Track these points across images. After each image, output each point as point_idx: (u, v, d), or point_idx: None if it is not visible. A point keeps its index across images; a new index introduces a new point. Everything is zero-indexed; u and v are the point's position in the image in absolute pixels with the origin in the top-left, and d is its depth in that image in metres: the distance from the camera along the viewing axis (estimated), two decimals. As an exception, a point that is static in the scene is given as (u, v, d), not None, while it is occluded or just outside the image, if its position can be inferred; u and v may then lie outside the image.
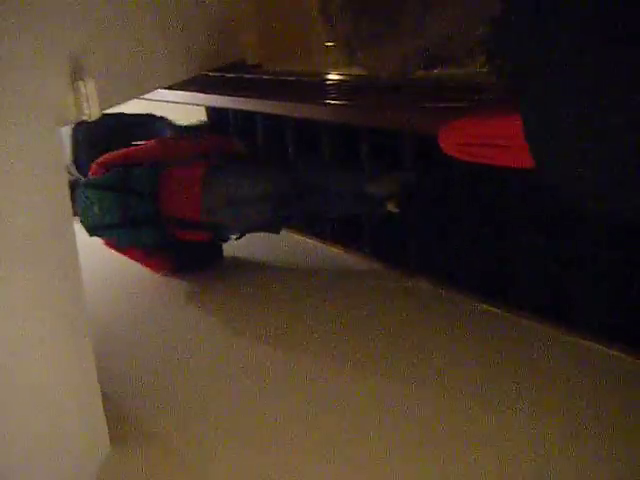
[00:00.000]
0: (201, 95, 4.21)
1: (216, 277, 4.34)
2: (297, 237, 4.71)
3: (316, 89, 3.77)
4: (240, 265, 4.51)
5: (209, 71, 4.54)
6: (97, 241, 4.21)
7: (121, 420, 3.01)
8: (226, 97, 4.02)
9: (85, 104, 2.65)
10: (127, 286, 4.34)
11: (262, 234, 4.26)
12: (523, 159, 1.96)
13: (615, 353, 3.12)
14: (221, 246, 4.58)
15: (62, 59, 2.61)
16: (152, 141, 4.41)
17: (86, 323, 2.74)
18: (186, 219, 4.03)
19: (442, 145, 2.56)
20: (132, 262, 4.28)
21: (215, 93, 4.20)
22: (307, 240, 4.67)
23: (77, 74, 2.64)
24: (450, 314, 3.58)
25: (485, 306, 3.56)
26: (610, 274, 3.09)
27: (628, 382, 2.92)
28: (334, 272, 4.26)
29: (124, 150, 4.29)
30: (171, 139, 4.64)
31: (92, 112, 2.68)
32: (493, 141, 2.35)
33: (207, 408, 3.08)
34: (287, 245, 4.61)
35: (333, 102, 3.41)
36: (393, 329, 3.49)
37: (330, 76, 4.09)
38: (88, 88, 2.65)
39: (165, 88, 4.16)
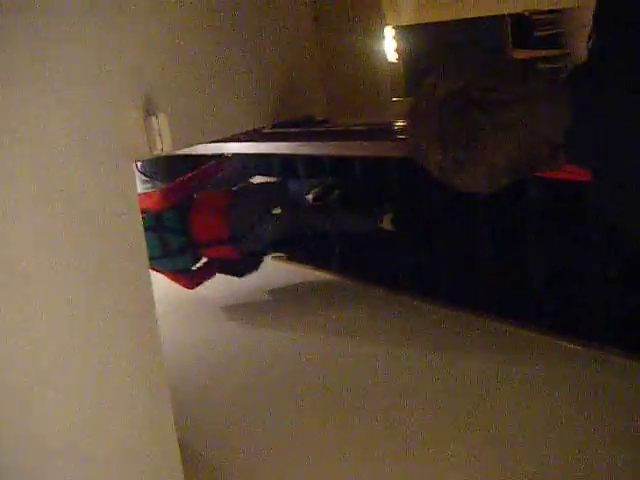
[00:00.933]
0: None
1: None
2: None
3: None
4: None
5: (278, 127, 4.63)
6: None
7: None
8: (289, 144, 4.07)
9: (158, 139, 2.68)
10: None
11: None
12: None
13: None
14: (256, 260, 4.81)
15: (136, 95, 2.67)
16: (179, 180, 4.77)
17: (165, 378, 2.71)
18: (217, 239, 4.48)
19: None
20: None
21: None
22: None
23: (150, 110, 2.68)
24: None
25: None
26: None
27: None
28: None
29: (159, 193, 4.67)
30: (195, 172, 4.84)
31: (165, 147, 2.71)
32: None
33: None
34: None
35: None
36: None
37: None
38: (161, 123, 2.69)
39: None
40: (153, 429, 2.65)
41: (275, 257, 5.13)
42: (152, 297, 2.66)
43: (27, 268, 2.13)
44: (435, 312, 3.86)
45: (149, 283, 2.66)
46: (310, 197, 4.60)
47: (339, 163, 4.54)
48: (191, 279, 4.73)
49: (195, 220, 4.50)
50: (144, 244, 2.72)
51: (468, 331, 3.62)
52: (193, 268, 4.77)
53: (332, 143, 3.88)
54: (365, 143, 3.74)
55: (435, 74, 1.30)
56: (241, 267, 4.77)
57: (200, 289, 4.64)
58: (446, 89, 1.25)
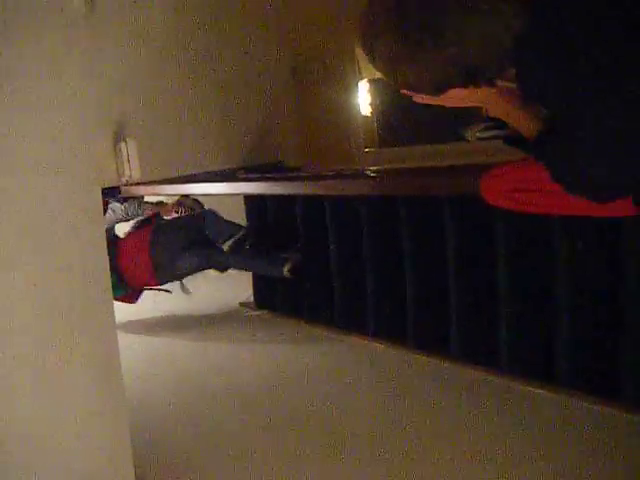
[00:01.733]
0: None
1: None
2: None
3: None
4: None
5: (249, 172, 4.67)
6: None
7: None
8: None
9: (127, 166, 2.69)
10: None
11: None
12: (567, 202, 1.89)
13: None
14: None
15: (107, 121, 2.69)
16: None
17: (122, 388, 2.67)
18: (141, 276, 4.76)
19: (485, 195, 2.50)
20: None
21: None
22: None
23: (120, 137, 2.70)
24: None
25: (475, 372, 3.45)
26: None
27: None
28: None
29: None
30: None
31: (133, 174, 2.72)
32: (537, 185, 2.30)
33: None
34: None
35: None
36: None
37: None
38: (130, 150, 2.70)
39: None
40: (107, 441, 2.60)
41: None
42: (113, 321, 2.63)
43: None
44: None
45: (111, 307, 2.64)
46: (224, 247, 4.74)
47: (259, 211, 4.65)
48: (131, 298, 4.92)
49: (121, 260, 4.61)
50: (108, 269, 2.70)
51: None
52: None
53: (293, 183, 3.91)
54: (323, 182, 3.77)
55: None
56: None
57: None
58: None
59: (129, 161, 2.59)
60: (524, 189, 2.40)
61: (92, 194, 2.61)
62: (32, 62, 2.31)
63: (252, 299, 5.03)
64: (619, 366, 2.92)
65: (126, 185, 4.04)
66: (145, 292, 5.01)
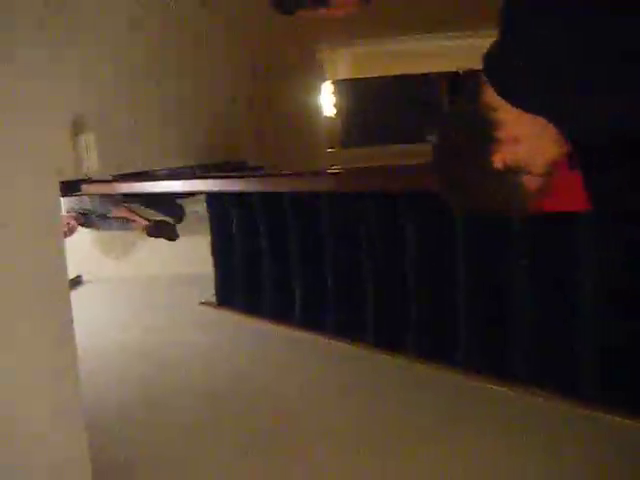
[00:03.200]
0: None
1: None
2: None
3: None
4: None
5: (212, 171, 4.65)
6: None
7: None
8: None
9: (85, 158, 2.66)
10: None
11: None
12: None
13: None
14: None
15: (65, 113, 2.66)
16: None
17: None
18: None
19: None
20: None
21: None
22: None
23: (78, 129, 2.67)
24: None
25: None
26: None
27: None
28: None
29: None
30: None
31: (91, 167, 2.69)
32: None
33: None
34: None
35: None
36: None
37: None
38: (88, 143, 2.68)
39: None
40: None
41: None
42: (71, 316, 2.60)
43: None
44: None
45: (68, 302, 2.60)
46: None
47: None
48: None
49: None
50: (65, 263, 2.67)
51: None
52: None
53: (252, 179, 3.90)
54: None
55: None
56: None
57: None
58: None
59: (87, 154, 2.55)
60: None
61: (49, 186, 2.58)
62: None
63: (214, 298, 5.00)
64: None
65: (86, 182, 4.01)
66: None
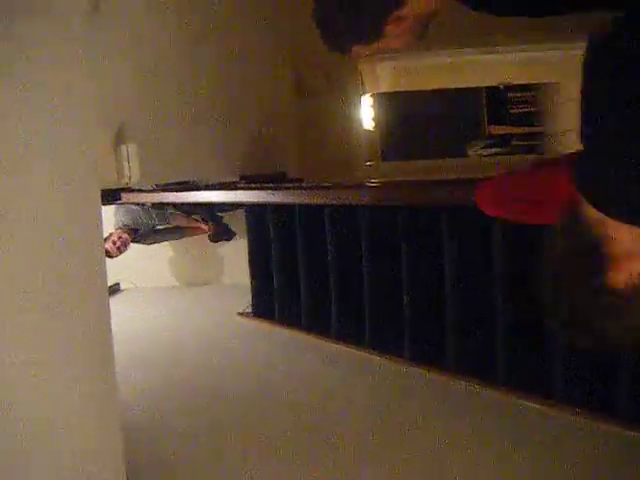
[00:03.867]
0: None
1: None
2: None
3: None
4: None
5: (252, 182, 4.68)
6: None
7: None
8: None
9: (126, 167, 2.69)
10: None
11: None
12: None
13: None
14: None
15: (108, 122, 2.69)
16: None
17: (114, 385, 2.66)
18: None
19: (478, 202, 2.54)
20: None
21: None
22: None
23: (120, 138, 2.70)
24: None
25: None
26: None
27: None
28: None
29: None
30: None
31: (132, 176, 2.72)
32: (528, 195, 2.32)
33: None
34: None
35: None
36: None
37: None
38: (130, 153, 2.70)
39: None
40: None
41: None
42: (109, 326, 2.62)
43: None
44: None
45: (107, 309, 2.62)
46: None
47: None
48: None
49: None
50: (105, 272, 2.70)
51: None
52: None
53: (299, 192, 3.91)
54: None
55: None
56: None
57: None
58: None
59: (129, 164, 2.58)
60: (521, 199, 2.42)
61: (91, 193, 2.61)
62: (34, 60, 2.32)
63: (250, 309, 5.02)
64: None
65: (126, 191, 4.06)
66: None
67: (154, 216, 5.55)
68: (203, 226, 5.66)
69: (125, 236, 5.50)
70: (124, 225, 5.55)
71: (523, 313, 3.20)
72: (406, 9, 1.50)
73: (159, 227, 5.78)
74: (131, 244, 5.60)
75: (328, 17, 1.57)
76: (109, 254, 5.31)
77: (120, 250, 5.42)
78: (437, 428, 3.14)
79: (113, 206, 5.43)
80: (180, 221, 5.61)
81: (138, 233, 5.67)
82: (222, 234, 5.74)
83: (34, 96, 2.29)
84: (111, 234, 5.47)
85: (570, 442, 2.90)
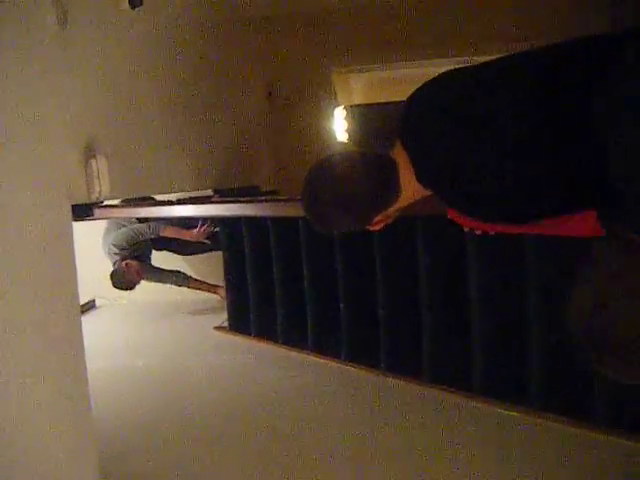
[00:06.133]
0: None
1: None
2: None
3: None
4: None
5: (225, 196, 4.67)
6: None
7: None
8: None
9: (96, 182, 2.67)
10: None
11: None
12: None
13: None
14: None
15: (77, 136, 2.67)
16: None
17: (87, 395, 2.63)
18: None
19: (450, 215, 2.53)
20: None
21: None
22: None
23: (90, 152, 2.68)
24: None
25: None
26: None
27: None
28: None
29: None
30: None
31: (103, 190, 2.70)
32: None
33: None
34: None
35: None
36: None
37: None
38: (100, 166, 2.69)
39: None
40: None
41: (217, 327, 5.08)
42: (82, 340, 2.59)
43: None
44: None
45: (79, 326, 2.60)
46: None
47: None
48: None
49: None
50: (76, 290, 2.67)
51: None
52: None
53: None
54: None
55: None
56: None
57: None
58: None
59: (99, 178, 2.56)
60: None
61: (61, 209, 2.58)
62: (1, 75, 2.30)
63: (226, 324, 4.99)
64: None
65: (99, 206, 4.03)
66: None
67: (144, 230, 5.38)
68: (217, 289, 5.56)
69: (134, 265, 5.33)
70: (123, 250, 5.33)
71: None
72: (393, 207, 1.77)
73: (159, 267, 5.67)
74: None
75: (322, 212, 1.76)
76: (132, 283, 5.31)
77: (136, 280, 5.32)
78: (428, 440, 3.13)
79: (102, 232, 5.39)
80: (167, 231, 5.43)
81: (143, 265, 5.49)
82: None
83: (2, 113, 2.27)
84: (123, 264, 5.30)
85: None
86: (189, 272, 5.72)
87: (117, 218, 5.25)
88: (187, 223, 5.28)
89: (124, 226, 5.31)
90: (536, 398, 3.13)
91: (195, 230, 5.27)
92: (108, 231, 5.38)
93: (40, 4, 2.44)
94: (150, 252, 5.66)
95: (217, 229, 5.11)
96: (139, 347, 4.97)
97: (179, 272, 5.65)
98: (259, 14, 5.35)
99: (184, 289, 5.72)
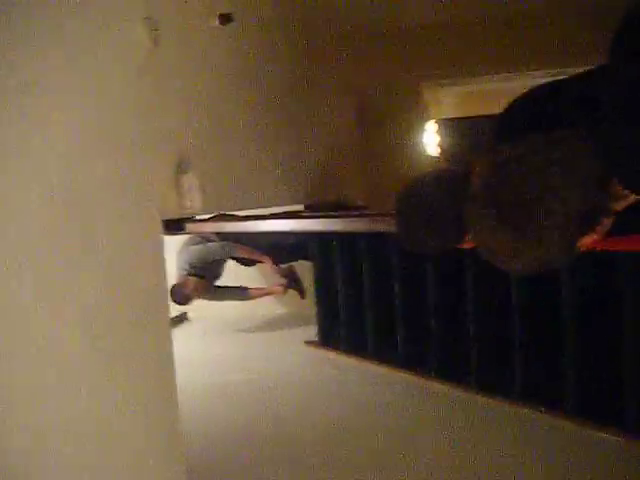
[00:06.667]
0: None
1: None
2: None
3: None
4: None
5: (316, 211, 4.66)
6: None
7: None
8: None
9: (187, 197, 2.69)
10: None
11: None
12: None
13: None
14: None
15: (169, 152, 2.70)
16: None
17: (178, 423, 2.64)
18: None
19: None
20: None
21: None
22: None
23: (182, 168, 2.71)
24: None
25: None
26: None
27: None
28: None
29: None
30: None
31: (194, 206, 2.72)
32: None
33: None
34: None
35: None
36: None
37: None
38: (191, 182, 2.71)
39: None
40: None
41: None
42: (172, 358, 2.60)
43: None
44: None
45: (170, 340, 2.61)
46: None
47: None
48: None
49: None
50: (167, 302, 2.70)
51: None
52: None
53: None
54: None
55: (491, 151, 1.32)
56: None
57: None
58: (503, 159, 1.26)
59: (190, 193, 2.58)
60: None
61: (153, 223, 2.61)
62: (97, 94, 2.35)
63: (317, 338, 4.98)
64: None
65: (190, 222, 4.08)
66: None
67: (216, 250, 5.43)
68: (265, 259, 5.55)
69: (196, 283, 5.39)
70: (192, 267, 5.39)
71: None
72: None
73: (220, 284, 5.71)
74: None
75: (410, 231, 1.71)
76: (188, 299, 5.38)
77: (193, 296, 5.39)
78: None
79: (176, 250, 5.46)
80: (241, 252, 5.49)
81: (208, 284, 5.54)
82: (297, 280, 5.69)
83: (98, 131, 2.31)
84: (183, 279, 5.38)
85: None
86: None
87: (198, 234, 5.32)
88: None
89: (200, 243, 5.41)
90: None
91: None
92: (185, 245, 5.47)
93: (134, 25, 2.48)
94: (220, 273, 5.69)
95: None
96: (227, 361, 5.00)
97: (239, 287, 5.71)
98: (351, 28, 5.35)
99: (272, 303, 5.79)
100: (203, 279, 5.44)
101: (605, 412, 3.11)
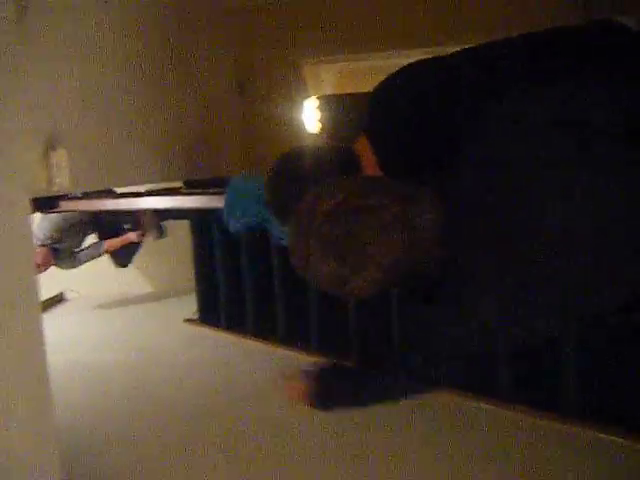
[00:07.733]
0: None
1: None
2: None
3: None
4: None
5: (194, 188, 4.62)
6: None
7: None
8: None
9: (56, 174, 2.63)
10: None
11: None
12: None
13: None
14: None
15: (37, 128, 2.62)
16: None
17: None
18: None
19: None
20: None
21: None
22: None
23: (50, 144, 2.64)
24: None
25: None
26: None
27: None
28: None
29: None
30: None
31: (62, 183, 2.65)
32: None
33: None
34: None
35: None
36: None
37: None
38: (59, 158, 2.64)
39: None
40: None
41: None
42: (43, 339, 2.54)
43: None
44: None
45: (39, 320, 2.55)
46: None
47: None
48: None
49: None
50: (36, 280, 2.63)
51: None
52: None
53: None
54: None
55: (313, 193, 1.34)
56: None
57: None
58: (327, 204, 1.29)
59: (59, 170, 2.52)
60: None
61: (19, 201, 2.54)
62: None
63: (197, 316, 4.97)
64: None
65: (64, 199, 3.98)
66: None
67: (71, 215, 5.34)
68: (130, 235, 5.59)
69: (46, 253, 5.29)
70: (46, 238, 5.31)
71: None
72: None
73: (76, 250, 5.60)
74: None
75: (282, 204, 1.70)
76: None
77: (40, 269, 5.15)
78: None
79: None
80: (111, 245, 5.52)
81: (58, 255, 5.42)
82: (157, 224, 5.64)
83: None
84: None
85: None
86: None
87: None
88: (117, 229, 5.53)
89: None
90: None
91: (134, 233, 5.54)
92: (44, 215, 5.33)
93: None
94: (80, 239, 5.65)
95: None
96: (107, 339, 4.94)
97: (94, 244, 5.68)
98: (237, 5, 5.30)
99: (152, 281, 5.71)
100: (56, 250, 5.36)
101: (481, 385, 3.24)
